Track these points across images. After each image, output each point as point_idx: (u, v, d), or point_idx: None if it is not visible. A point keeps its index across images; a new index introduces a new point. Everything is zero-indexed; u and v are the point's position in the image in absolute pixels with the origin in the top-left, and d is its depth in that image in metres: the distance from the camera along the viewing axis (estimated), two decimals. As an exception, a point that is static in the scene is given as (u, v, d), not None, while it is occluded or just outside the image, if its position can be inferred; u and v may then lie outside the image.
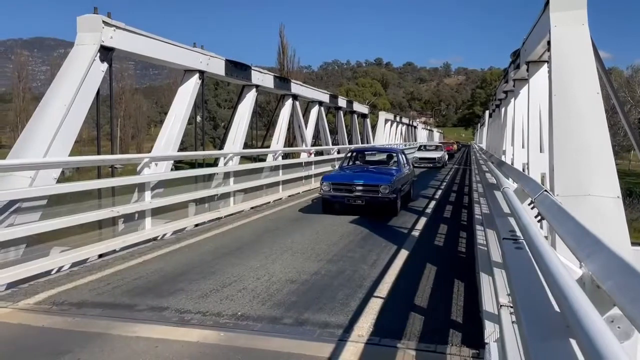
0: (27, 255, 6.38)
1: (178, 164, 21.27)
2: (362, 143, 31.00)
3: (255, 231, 9.65)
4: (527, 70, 10.07)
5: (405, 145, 40.60)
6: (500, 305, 3.29)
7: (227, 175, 11.98)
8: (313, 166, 17.79)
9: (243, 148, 14.37)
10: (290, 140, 20.97)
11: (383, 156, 14.64)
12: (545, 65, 9.12)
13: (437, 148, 34.13)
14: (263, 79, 15.29)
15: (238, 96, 15.24)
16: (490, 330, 3.45)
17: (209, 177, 11.59)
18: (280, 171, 14.88)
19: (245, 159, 15.41)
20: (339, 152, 21.54)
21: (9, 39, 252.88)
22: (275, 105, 20.24)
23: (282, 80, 17.88)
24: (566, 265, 2.22)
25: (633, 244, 6.43)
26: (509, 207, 4.69)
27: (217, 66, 12.36)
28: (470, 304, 5.17)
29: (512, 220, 4.24)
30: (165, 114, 12.84)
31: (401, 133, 47.75)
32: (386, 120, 39.93)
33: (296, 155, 18.48)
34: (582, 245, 2.21)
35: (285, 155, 16.98)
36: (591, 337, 1.22)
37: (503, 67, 24.11)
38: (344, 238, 8.80)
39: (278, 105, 18.70)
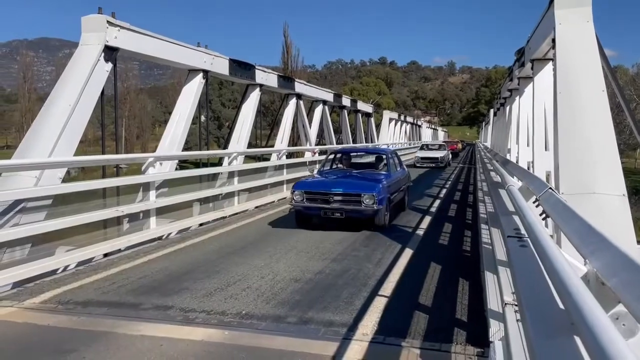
0: (33, 254, 6.41)
1: (182, 164, 21.31)
2: (366, 142, 30.99)
3: (259, 230, 9.66)
4: (532, 68, 10.03)
5: (409, 144, 40.57)
6: (505, 304, 3.28)
7: (231, 174, 11.99)
8: (317, 165, 17.78)
9: (247, 147, 14.38)
10: (295, 139, 20.98)
11: (371, 158, 12.57)
12: (550, 63, 9.09)
13: (440, 147, 32.61)
14: (267, 78, 15.29)
15: (242, 96, 15.26)
16: (495, 329, 3.44)
17: (213, 177, 11.61)
18: (285, 170, 14.88)
19: (249, 158, 15.41)
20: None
21: (14, 40, 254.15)
22: (279, 105, 20.26)
23: (286, 79, 17.89)
24: (571, 262, 2.21)
25: (639, 242, 6.40)
26: (513, 205, 4.68)
27: (221, 66, 12.37)
28: (475, 302, 5.16)
29: (516, 219, 4.23)
30: (170, 113, 12.88)
31: (405, 132, 47.72)
32: (390, 119, 39.91)
33: (300, 154, 18.47)
34: (587, 242, 2.20)
35: (290, 155, 16.97)
36: (596, 335, 1.22)
37: (508, 66, 24.09)
38: (348, 237, 8.79)
39: (282, 104, 18.71)
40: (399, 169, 11.71)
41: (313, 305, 5.17)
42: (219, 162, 13.14)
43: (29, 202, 6.59)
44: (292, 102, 18.08)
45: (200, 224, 10.12)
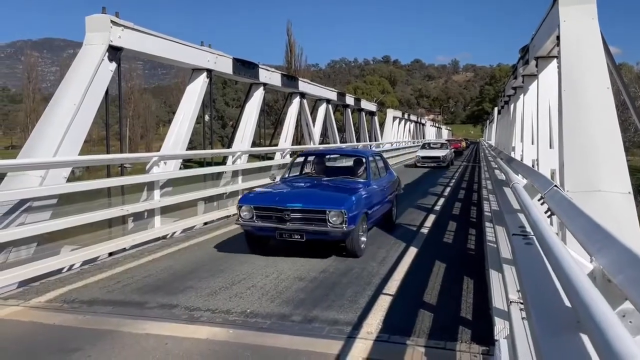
0: (38, 253, 6.43)
1: (187, 163, 21.36)
2: (370, 141, 30.96)
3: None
4: (536, 66, 10.00)
5: (413, 143, 40.48)
6: (510, 302, 3.28)
7: (235, 173, 12.00)
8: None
9: (251, 146, 14.40)
10: (298, 138, 20.99)
11: (348, 162, 10.25)
12: (555, 60, 9.06)
13: (442, 146, 30.76)
14: (270, 77, 15.30)
15: (246, 95, 15.28)
16: (500, 327, 3.44)
17: (218, 176, 11.63)
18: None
19: (253, 157, 15.40)
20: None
21: (18, 40, 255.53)
22: (282, 104, 20.24)
23: (290, 78, 17.90)
24: (577, 259, 2.20)
25: (644, 240, 6.36)
26: (518, 203, 4.66)
27: (224, 65, 12.38)
28: (480, 301, 5.15)
29: (521, 217, 4.22)
30: (174, 113, 12.90)
31: (409, 130, 47.66)
32: (394, 118, 39.87)
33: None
34: (593, 239, 2.19)
35: (294, 154, 16.96)
36: (604, 332, 1.21)
37: (512, 64, 23.97)
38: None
39: (286, 103, 18.72)
40: (383, 174, 9.46)
41: (317, 303, 5.17)
42: (223, 161, 13.16)
43: (35, 202, 6.62)
44: (296, 101, 18.08)
45: (205, 223, 10.14)
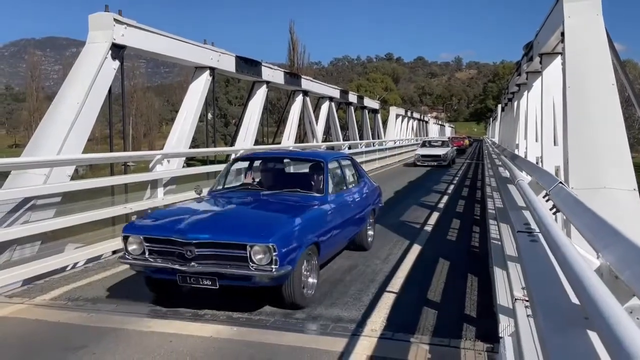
0: (42, 252, 6.44)
1: (190, 161, 21.39)
2: (373, 138, 30.93)
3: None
4: (540, 62, 9.96)
5: (416, 140, 40.39)
6: (515, 299, 3.26)
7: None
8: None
9: (254, 144, 14.40)
10: (301, 136, 20.99)
11: (303, 167, 7.63)
12: (559, 57, 9.01)
13: (443, 144, 29.44)
14: (273, 75, 15.29)
15: (248, 93, 15.28)
16: (504, 324, 3.42)
17: (221, 174, 11.59)
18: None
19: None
20: (349, 148, 21.51)
21: (22, 39, 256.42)
22: (285, 102, 20.25)
23: (293, 76, 17.89)
24: (584, 256, 2.19)
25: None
26: (523, 200, 4.64)
27: (227, 63, 12.38)
28: (484, 298, 5.13)
29: (526, 214, 4.20)
30: (177, 111, 12.92)
31: (412, 128, 47.62)
32: (397, 116, 39.82)
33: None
34: (600, 236, 2.18)
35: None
36: (612, 327, 1.20)
37: (515, 60, 23.91)
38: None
39: (288, 101, 18.74)
40: (352, 185, 7.06)
41: (321, 301, 5.16)
42: (226, 159, 13.17)
43: (38, 200, 6.63)
44: (299, 98, 18.08)
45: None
